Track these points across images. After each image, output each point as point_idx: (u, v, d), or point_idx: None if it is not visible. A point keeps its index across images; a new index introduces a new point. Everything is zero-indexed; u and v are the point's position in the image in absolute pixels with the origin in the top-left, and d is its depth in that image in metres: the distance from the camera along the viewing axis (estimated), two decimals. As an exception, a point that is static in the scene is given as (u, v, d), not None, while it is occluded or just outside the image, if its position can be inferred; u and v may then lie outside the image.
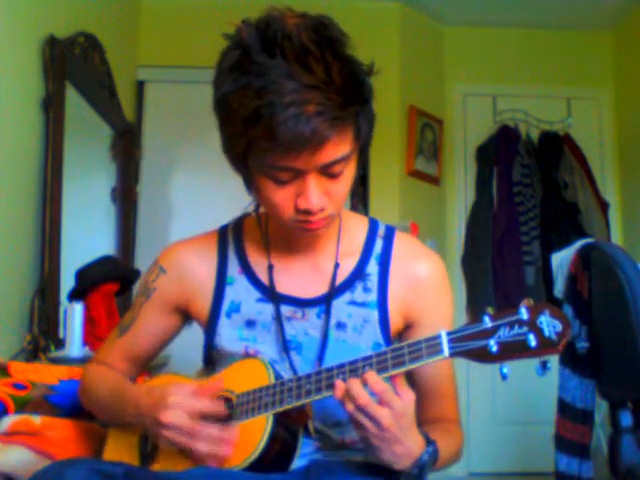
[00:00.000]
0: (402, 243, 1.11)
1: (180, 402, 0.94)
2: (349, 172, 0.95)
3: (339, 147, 0.90)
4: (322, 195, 0.93)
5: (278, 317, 1.06)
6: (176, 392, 0.95)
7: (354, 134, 0.92)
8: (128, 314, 1.19)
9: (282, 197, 0.93)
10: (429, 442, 0.91)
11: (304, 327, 1.06)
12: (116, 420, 1.10)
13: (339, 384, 0.88)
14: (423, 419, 1.09)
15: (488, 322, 0.85)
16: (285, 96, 0.83)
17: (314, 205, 0.92)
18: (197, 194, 3.43)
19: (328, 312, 1.05)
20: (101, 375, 1.16)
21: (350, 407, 0.86)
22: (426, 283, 1.08)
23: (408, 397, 0.88)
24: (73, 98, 2.37)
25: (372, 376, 0.87)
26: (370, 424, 0.86)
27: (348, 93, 0.87)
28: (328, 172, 0.92)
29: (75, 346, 1.96)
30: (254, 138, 0.87)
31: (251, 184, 0.98)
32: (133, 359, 1.18)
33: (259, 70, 0.85)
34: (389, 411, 0.86)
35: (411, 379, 1.08)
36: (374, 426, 0.86)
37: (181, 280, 1.12)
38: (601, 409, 2.62)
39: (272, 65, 0.84)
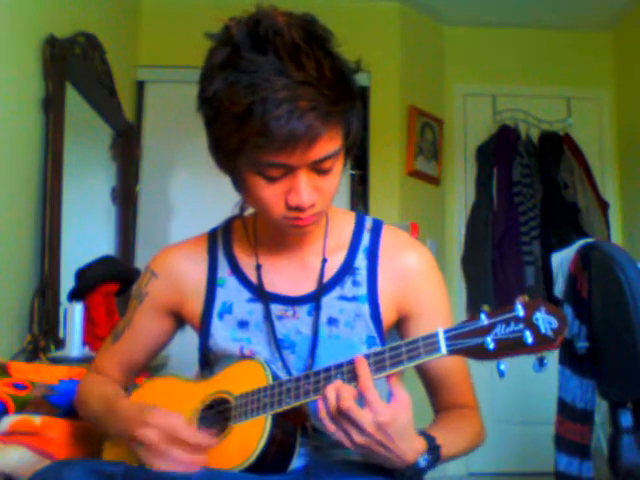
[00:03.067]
0: (389, 235, 1.11)
1: (161, 424, 0.94)
2: (338, 168, 0.96)
3: (330, 143, 0.90)
4: (312, 191, 0.93)
5: (268, 316, 1.06)
6: (163, 414, 0.95)
7: (344, 130, 0.93)
8: (121, 320, 1.19)
9: (272, 194, 0.93)
10: (431, 447, 0.90)
11: (296, 325, 1.06)
12: (103, 431, 1.10)
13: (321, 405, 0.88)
14: (437, 407, 1.11)
15: (484, 319, 0.85)
16: (277, 92, 0.83)
17: (305, 201, 0.92)
18: (197, 194, 3.43)
19: (318, 309, 1.05)
20: (93, 387, 1.16)
21: (333, 412, 0.86)
22: (415, 274, 1.08)
23: (400, 403, 0.87)
24: (73, 98, 2.37)
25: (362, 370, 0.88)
26: (354, 431, 0.85)
27: (339, 89, 0.88)
28: (318, 168, 0.92)
29: (75, 346, 1.96)
30: (247, 135, 0.87)
31: (240, 183, 0.98)
32: (128, 364, 1.18)
33: (250, 67, 0.85)
34: (372, 416, 0.85)
35: (419, 368, 1.08)
36: (358, 433, 0.85)
37: (173, 283, 1.12)
38: (601, 409, 2.62)
39: (263, 61, 0.85)
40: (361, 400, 0.87)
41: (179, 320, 1.16)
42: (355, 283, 1.07)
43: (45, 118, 2.15)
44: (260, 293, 1.07)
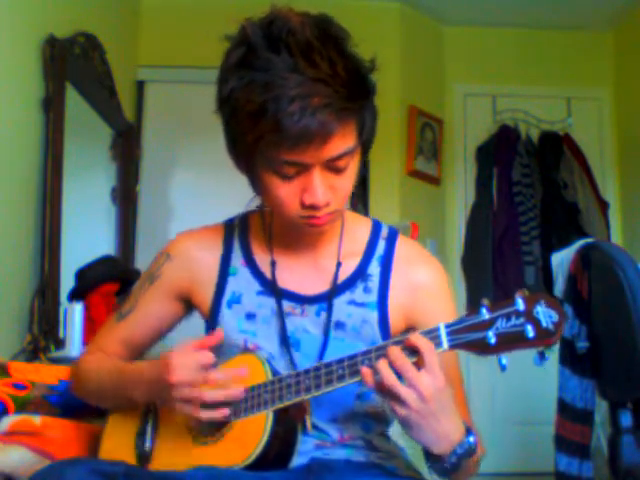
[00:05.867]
0: (404, 246, 1.11)
1: (184, 360, 0.94)
2: (353, 167, 0.96)
3: (344, 141, 0.91)
4: (327, 190, 0.93)
5: (280, 312, 1.06)
6: (178, 352, 0.95)
7: (358, 128, 0.93)
8: (129, 299, 1.18)
9: (288, 193, 0.94)
10: (469, 432, 0.89)
11: (303, 324, 1.06)
12: (121, 401, 1.09)
13: (365, 370, 0.87)
14: None
15: (485, 314, 0.85)
16: (291, 89, 0.84)
17: (320, 200, 0.92)
18: (197, 194, 3.43)
19: (330, 310, 1.05)
20: (97, 361, 1.15)
21: (390, 380, 0.84)
22: (426, 288, 1.08)
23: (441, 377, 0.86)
24: (73, 98, 2.37)
25: (395, 352, 0.86)
26: (412, 396, 0.83)
27: (353, 87, 0.89)
28: (333, 166, 0.92)
29: (75, 346, 1.96)
30: (262, 132, 0.88)
31: (256, 182, 0.99)
32: (130, 345, 1.17)
33: (265, 65, 0.86)
34: (432, 380, 0.84)
35: None
36: (416, 398, 0.83)
37: (186, 268, 1.12)
38: (601, 409, 2.62)
39: (277, 60, 0.86)
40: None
41: (188, 305, 1.16)
42: (366, 290, 1.07)
43: (45, 118, 2.15)
44: (273, 288, 1.07)
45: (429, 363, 0.84)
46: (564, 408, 1.94)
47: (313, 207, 0.94)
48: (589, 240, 2.00)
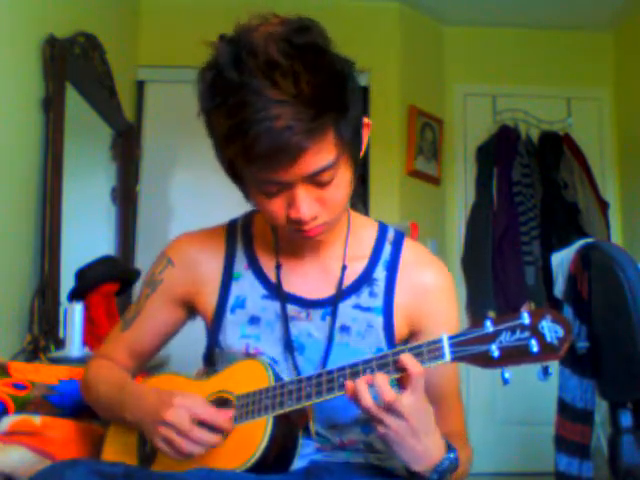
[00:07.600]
0: (410, 250, 1.10)
1: (186, 404, 0.95)
2: (341, 177, 0.93)
3: (320, 156, 0.88)
4: (313, 204, 0.92)
5: (284, 316, 1.05)
6: (184, 396, 0.96)
7: (336, 140, 0.89)
8: (132, 307, 1.18)
9: (274, 208, 0.93)
10: (450, 449, 0.90)
11: (308, 328, 1.05)
12: (115, 417, 1.10)
13: (349, 384, 0.87)
14: None
15: (490, 327, 0.84)
16: (256, 113, 0.83)
17: (304, 215, 0.91)
18: (197, 194, 3.43)
19: (334, 314, 1.04)
20: (105, 370, 1.15)
21: (368, 403, 0.85)
22: (432, 292, 1.08)
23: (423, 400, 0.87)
24: (73, 98, 2.37)
25: (382, 379, 0.86)
26: (389, 416, 0.84)
27: (320, 103, 0.85)
28: (316, 181, 0.90)
29: (75, 346, 1.96)
30: (234, 154, 0.88)
31: (246, 195, 0.99)
32: (136, 353, 1.18)
33: (231, 89, 0.85)
34: (413, 400, 0.84)
35: None
36: (394, 419, 0.84)
37: (188, 273, 1.12)
38: (601, 409, 2.62)
39: (242, 83, 0.84)
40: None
41: (191, 310, 1.15)
42: (372, 294, 1.06)
43: (45, 118, 2.15)
44: (278, 292, 1.06)
45: (415, 385, 0.85)
46: (564, 408, 1.94)
47: (299, 222, 0.93)
48: (589, 240, 1.99)
